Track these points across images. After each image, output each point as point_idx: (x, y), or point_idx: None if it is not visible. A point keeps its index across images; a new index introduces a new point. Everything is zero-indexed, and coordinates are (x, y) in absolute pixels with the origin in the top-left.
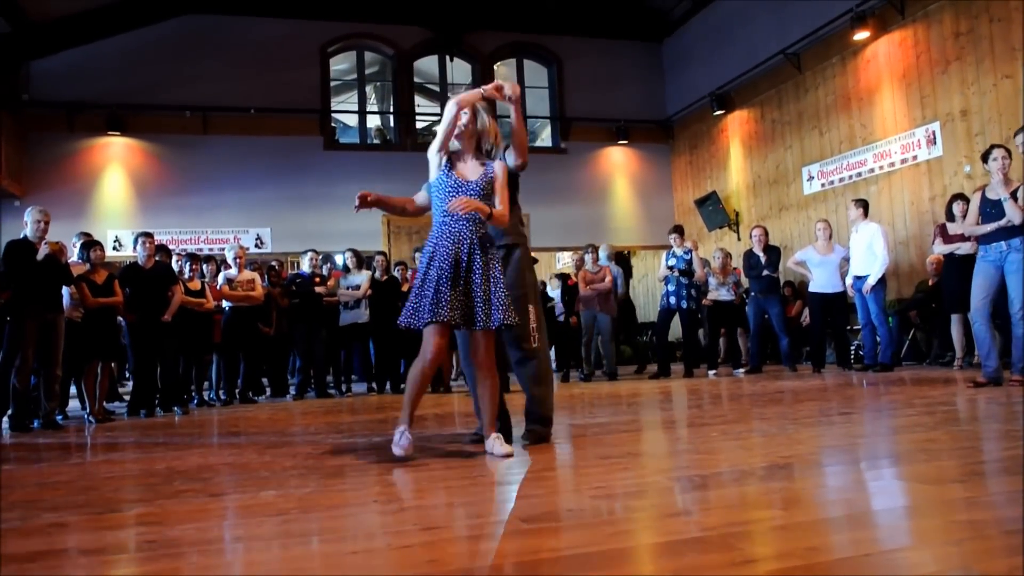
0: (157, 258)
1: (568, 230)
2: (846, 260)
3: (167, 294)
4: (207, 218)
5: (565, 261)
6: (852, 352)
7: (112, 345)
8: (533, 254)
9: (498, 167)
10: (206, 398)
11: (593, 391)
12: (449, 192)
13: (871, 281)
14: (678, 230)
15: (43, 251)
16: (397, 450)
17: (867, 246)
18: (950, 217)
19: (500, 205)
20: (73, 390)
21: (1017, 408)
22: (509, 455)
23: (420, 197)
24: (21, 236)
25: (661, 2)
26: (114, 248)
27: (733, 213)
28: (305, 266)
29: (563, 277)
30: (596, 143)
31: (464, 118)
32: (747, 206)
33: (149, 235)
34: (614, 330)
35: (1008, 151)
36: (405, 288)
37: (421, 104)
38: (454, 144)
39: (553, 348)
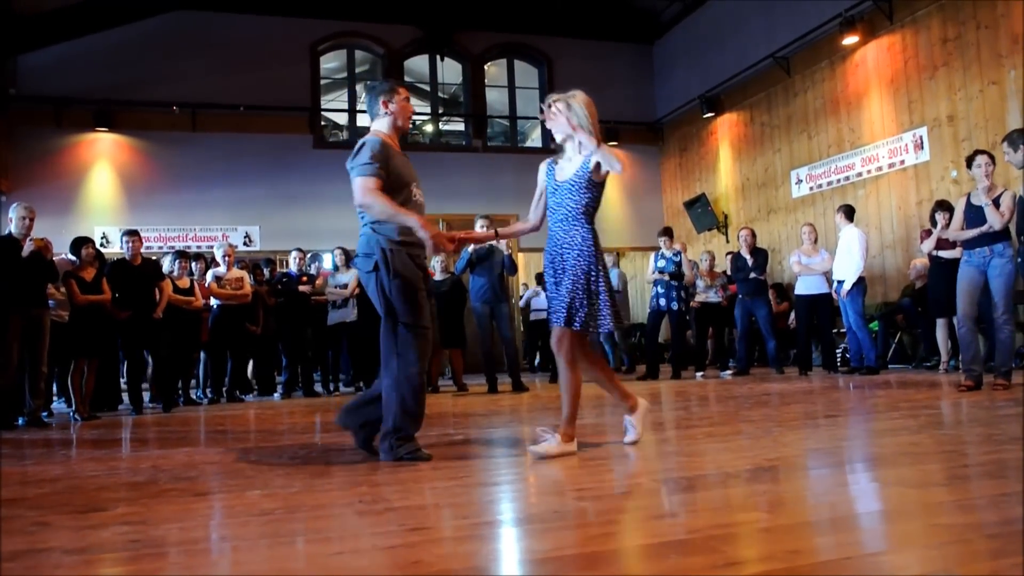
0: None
1: None
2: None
3: (155, 290)
4: (195, 215)
5: None
6: (839, 355)
7: (99, 343)
8: (520, 255)
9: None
10: (193, 396)
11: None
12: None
13: (846, 286)
14: (667, 232)
15: (28, 247)
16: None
17: (847, 250)
18: (934, 224)
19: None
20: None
21: (1000, 412)
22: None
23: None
24: (6, 232)
25: (651, 4)
26: (101, 245)
27: (722, 215)
28: (292, 265)
29: None
30: None
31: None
32: (736, 209)
33: (135, 232)
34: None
35: (992, 157)
36: None
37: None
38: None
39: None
